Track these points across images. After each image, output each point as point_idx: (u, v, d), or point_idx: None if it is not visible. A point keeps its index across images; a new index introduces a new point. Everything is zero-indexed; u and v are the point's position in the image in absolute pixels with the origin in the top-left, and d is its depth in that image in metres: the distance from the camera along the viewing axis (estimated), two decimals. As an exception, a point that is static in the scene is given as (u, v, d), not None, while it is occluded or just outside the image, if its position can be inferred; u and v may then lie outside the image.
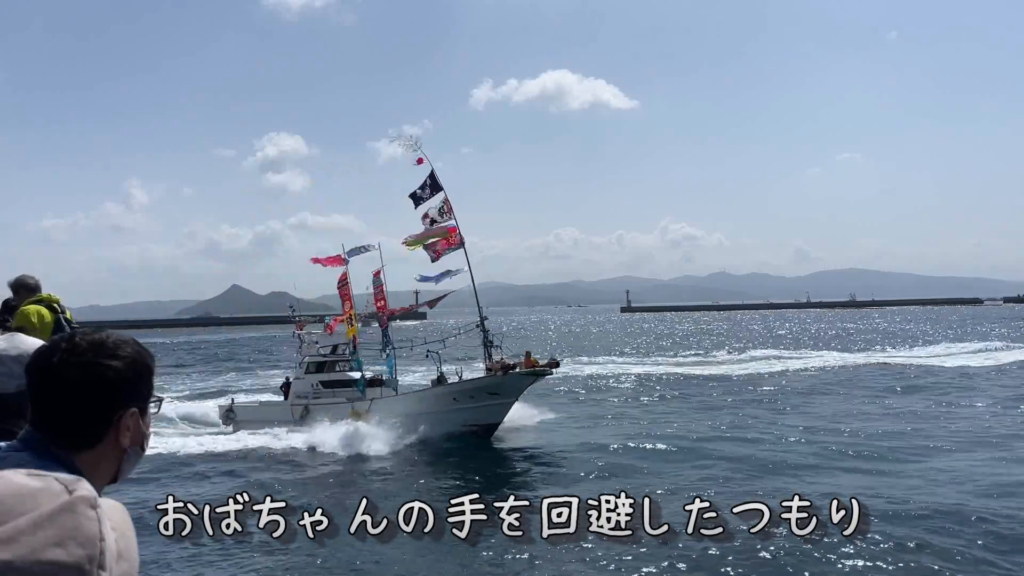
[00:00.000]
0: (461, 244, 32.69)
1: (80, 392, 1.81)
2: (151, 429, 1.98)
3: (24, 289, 6.26)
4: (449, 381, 32.04)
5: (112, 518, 1.38)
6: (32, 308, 5.98)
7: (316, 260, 36.02)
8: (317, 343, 36.31)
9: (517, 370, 30.87)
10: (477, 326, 32.46)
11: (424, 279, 33.74)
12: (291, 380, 35.60)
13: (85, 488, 1.35)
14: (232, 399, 36.94)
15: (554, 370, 32.34)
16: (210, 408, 38.81)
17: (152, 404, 1.98)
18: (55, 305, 6.11)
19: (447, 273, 33.08)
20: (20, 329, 5.04)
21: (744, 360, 62.86)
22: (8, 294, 6.44)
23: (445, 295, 34.45)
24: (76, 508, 1.31)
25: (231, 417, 34.34)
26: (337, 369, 34.84)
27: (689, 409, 36.13)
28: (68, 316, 6.17)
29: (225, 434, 33.17)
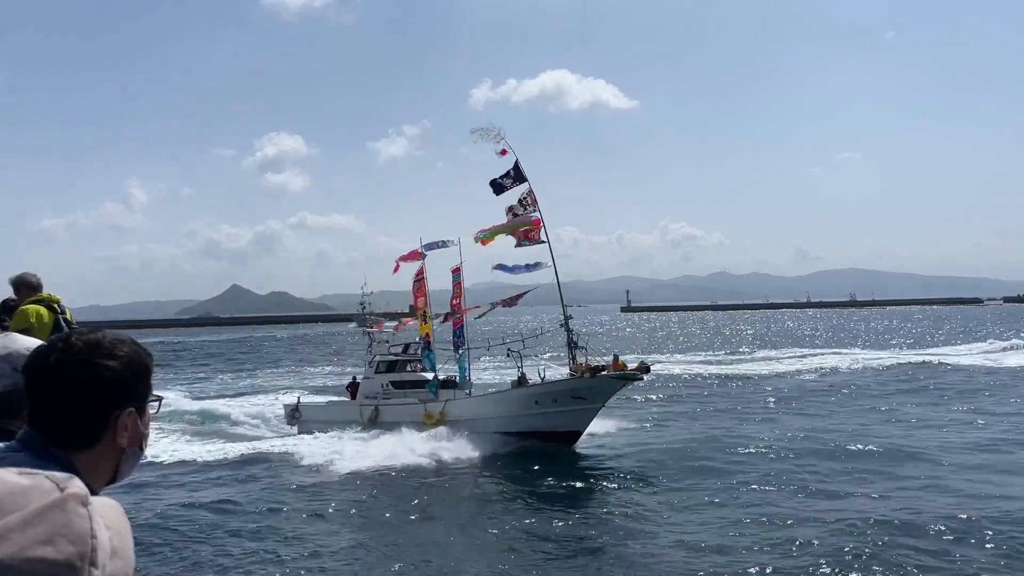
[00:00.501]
0: (545, 239, 31.00)
1: (77, 392, 1.81)
2: (150, 429, 1.97)
3: (26, 287, 6.26)
4: (531, 382, 29.94)
5: (106, 516, 1.37)
6: (32, 308, 5.99)
7: (400, 260, 34.05)
8: (387, 342, 34.85)
9: (605, 373, 28.38)
10: (561, 325, 30.16)
11: (502, 268, 31.65)
12: (358, 379, 34.20)
13: (76, 485, 1.33)
14: (298, 398, 35.23)
15: (645, 376, 29.55)
16: (260, 407, 38.34)
17: (151, 404, 1.98)
18: (55, 305, 6.11)
19: (535, 265, 31.37)
20: (22, 331, 5.04)
21: (744, 360, 62.81)
22: (9, 292, 6.43)
23: (526, 292, 32.91)
24: (66, 505, 1.30)
25: (296, 417, 32.96)
26: (408, 369, 33.14)
27: (708, 410, 35.53)
28: (68, 316, 6.17)
29: (289, 435, 31.58)
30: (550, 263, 31.22)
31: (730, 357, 66.17)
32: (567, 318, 29.84)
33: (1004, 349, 65.89)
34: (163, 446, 29.24)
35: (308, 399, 35.96)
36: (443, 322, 33.75)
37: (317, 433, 30.73)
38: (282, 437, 31.26)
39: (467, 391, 31.75)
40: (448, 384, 31.89)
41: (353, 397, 33.61)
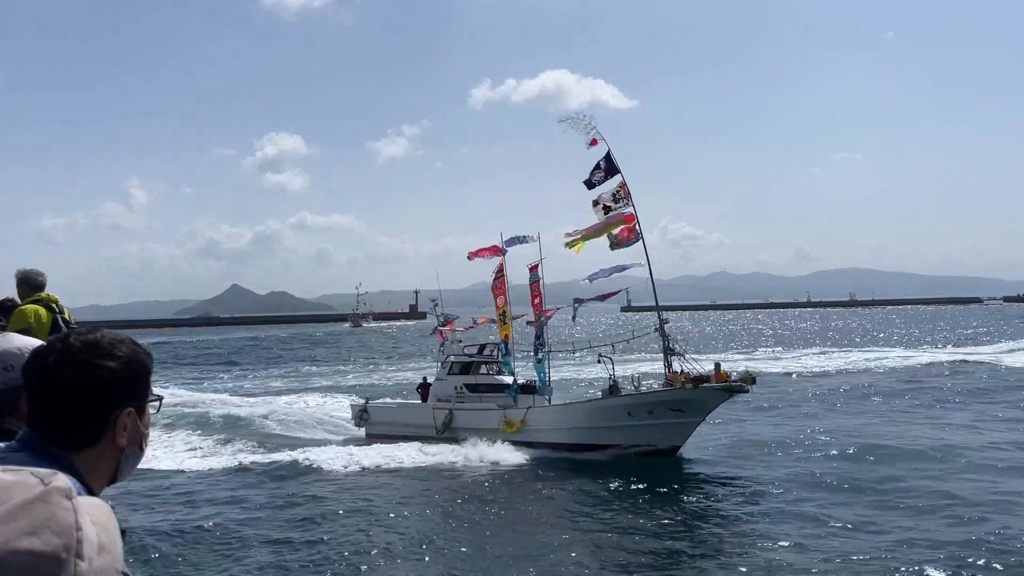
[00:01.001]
0: (639, 236, 28.48)
1: (76, 392, 1.81)
2: (150, 429, 1.98)
3: (27, 285, 6.24)
4: (624, 392, 27.65)
5: (93, 513, 1.38)
6: (30, 308, 5.98)
7: (474, 255, 32.26)
8: (461, 341, 33.30)
9: (708, 384, 25.66)
10: (655, 329, 27.74)
11: (594, 276, 29.31)
12: (429, 380, 32.63)
13: (60, 480, 1.34)
14: (367, 399, 33.89)
15: (751, 387, 26.71)
16: (305, 407, 38.36)
17: (151, 404, 1.98)
18: (53, 305, 6.11)
19: (626, 267, 29.38)
20: (21, 331, 5.04)
21: (744, 359, 62.83)
22: (12, 289, 6.41)
23: (616, 292, 31.01)
24: (50, 498, 1.30)
25: (364, 418, 31.74)
26: (483, 371, 31.30)
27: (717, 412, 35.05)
28: (67, 316, 6.17)
29: (354, 440, 30.27)
30: (642, 262, 28.81)
31: (731, 357, 66.21)
32: (663, 322, 27.45)
33: (1011, 350, 65.74)
34: (188, 446, 29.40)
35: (376, 401, 34.28)
36: (531, 324, 31.61)
37: (375, 442, 29.03)
38: (344, 442, 30.25)
39: (547, 397, 29.84)
40: (527, 389, 29.86)
41: (424, 399, 32.07)
